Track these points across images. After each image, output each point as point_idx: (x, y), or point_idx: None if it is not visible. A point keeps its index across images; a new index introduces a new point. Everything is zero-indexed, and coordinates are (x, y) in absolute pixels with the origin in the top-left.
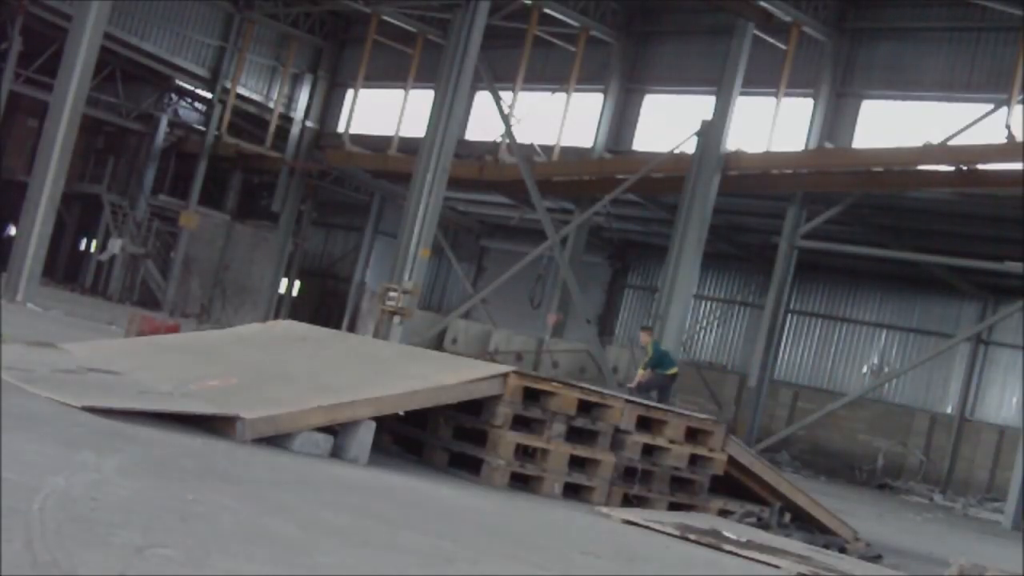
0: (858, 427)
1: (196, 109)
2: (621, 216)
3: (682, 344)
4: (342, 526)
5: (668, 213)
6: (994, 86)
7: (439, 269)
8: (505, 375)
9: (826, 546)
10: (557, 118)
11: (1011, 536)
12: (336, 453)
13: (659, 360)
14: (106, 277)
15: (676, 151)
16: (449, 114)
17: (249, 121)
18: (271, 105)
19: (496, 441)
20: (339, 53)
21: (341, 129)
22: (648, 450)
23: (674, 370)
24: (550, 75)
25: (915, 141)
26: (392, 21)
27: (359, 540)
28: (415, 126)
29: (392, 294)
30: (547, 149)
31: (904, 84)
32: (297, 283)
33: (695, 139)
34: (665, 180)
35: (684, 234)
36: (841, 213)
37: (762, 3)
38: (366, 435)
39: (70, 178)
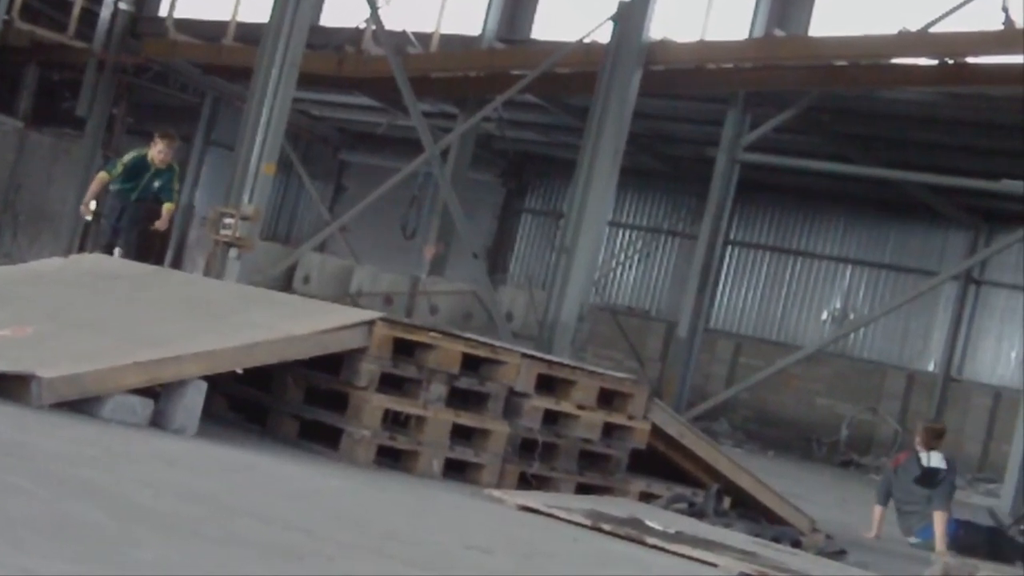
0: (816, 389)
1: None
2: (517, 122)
3: (594, 284)
4: (164, 513)
5: (576, 119)
6: None
7: (287, 189)
8: (370, 323)
9: (776, 539)
10: None
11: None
12: (157, 421)
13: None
14: None
15: (586, 40)
16: None
17: (47, 2)
18: None
19: (359, 406)
20: None
21: (163, 13)
22: (551, 418)
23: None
24: None
25: (888, 28)
26: None
27: (186, 531)
28: (256, 9)
29: (228, 221)
30: (423, 38)
31: None
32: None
33: (610, 25)
34: (572, 77)
35: (596, 145)
36: (794, 119)
37: None
38: (195, 399)
39: None
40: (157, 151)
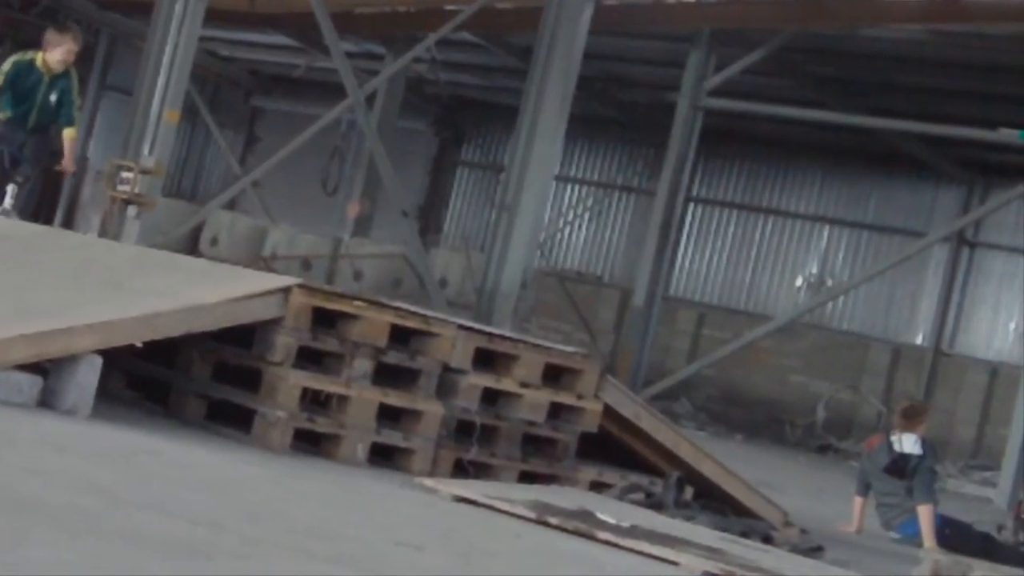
0: (790, 364)
1: None
2: (452, 64)
3: (539, 247)
4: (56, 506)
5: (519, 60)
6: None
7: (193, 140)
8: (286, 291)
9: (744, 534)
10: None
11: (1005, 519)
12: (46, 401)
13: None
14: None
15: None
16: None
17: None
18: None
19: (274, 384)
20: None
21: None
22: (491, 397)
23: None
24: None
25: None
26: None
27: (80, 526)
28: None
29: (126, 175)
30: None
31: None
32: None
33: None
34: (514, 12)
35: (542, 90)
36: (765, 59)
37: None
38: (88, 376)
39: None
40: (60, 51)
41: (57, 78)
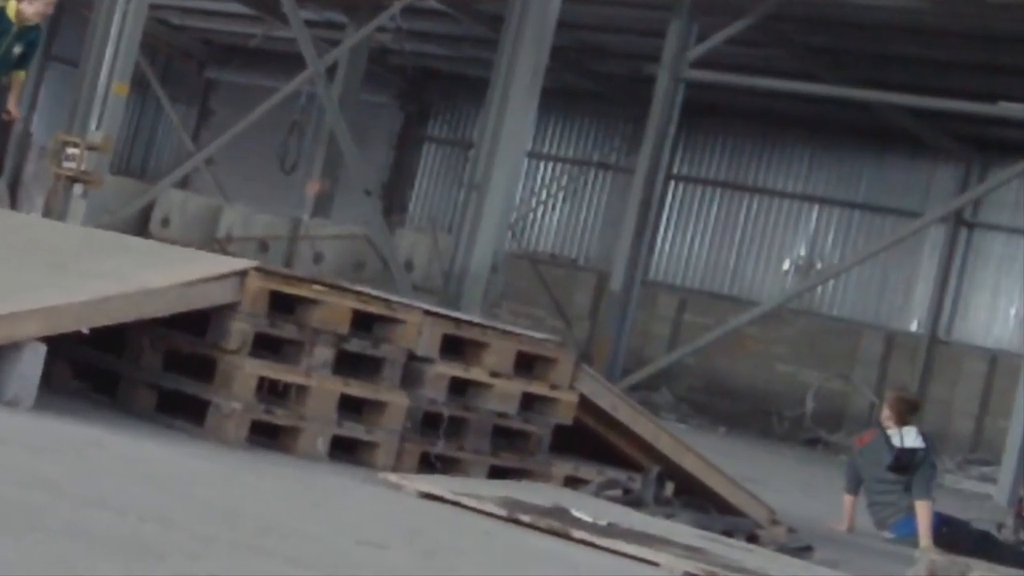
0: (776, 353)
1: None
2: (418, 34)
3: (511, 228)
4: None
5: (489, 29)
6: None
7: (143, 114)
8: (242, 274)
9: (728, 532)
10: None
11: (1005, 517)
12: None
13: None
14: None
15: None
16: None
17: None
18: None
19: (229, 374)
20: None
21: None
22: (459, 387)
23: None
24: None
25: None
26: None
27: (23, 523)
28: None
29: (72, 151)
30: None
31: None
32: None
33: None
34: None
35: (513, 61)
36: (750, 29)
37: None
38: (32, 364)
39: None
40: (41, 3)
41: (27, 30)
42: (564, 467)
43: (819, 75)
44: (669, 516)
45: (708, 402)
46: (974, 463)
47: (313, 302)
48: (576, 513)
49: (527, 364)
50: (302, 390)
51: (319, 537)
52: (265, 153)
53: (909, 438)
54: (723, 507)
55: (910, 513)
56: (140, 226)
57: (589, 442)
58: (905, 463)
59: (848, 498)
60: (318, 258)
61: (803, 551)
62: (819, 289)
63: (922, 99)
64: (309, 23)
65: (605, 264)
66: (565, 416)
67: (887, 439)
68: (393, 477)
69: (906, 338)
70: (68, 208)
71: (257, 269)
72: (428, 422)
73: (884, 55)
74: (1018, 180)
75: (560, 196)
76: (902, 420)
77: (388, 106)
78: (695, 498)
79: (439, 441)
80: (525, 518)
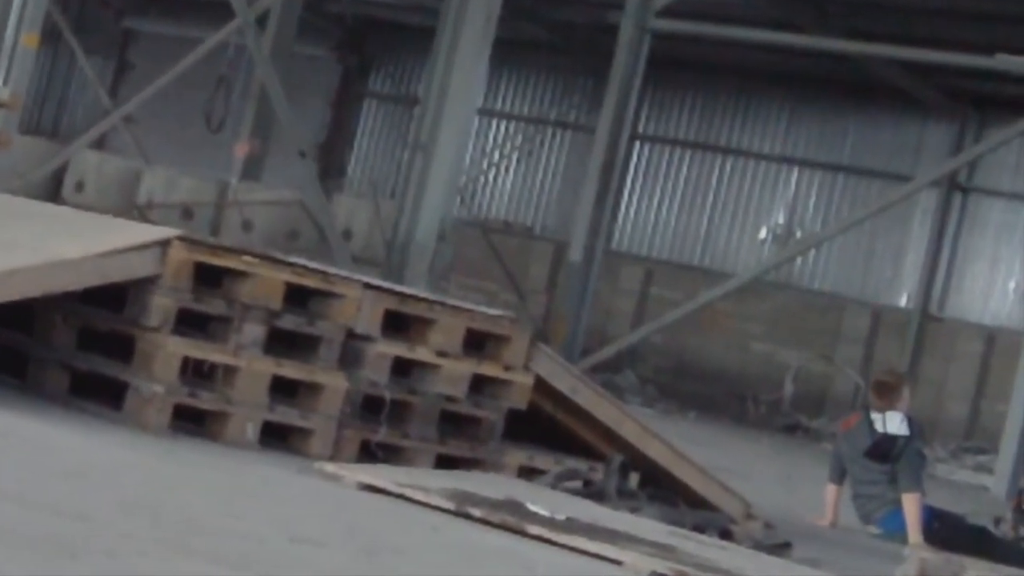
0: (752, 330)
1: None
2: None
3: (460, 193)
4: None
5: None
6: None
7: (55, 68)
8: (164, 243)
9: (699, 528)
10: None
11: (1003, 510)
12: None
13: None
14: None
15: None
16: None
17: None
18: None
19: (150, 353)
20: None
21: None
22: (403, 368)
23: None
24: None
25: None
26: None
27: None
28: None
29: None
30: None
31: None
32: None
33: None
34: None
35: (462, 9)
36: None
37: None
38: None
39: None
40: None
41: None
42: (518, 456)
43: (799, 25)
44: (634, 510)
45: (677, 385)
46: (969, 451)
47: (242, 275)
48: (532, 507)
49: (478, 343)
50: (230, 371)
51: (249, 534)
52: (189, 111)
53: (892, 424)
54: (693, 500)
55: (897, 506)
56: (52, 191)
57: (546, 429)
58: (884, 451)
59: (832, 488)
60: (247, 226)
61: (781, 548)
62: (799, 260)
63: (912, 51)
64: None
65: (563, 233)
66: (519, 400)
67: (870, 423)
68: (330, 467)
69: (895, 314)
70: None
71: (180, 238)
72: (369, 406)
73: (870, 2)
74: (1018, 140)
75: (514, 158)
76: (883, 403)
77: (325, 59)
78: (662, 490)
79: (381, 427)
80: (476, 512)
